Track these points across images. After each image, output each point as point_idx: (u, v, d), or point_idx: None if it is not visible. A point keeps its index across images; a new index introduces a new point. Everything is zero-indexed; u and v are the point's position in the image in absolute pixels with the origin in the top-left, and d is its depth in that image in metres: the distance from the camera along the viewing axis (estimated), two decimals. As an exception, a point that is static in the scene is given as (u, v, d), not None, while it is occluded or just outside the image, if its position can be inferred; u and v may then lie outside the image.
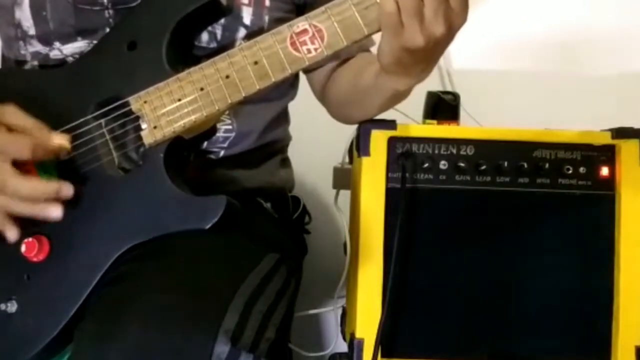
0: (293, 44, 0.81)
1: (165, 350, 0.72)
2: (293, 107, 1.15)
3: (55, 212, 0.79)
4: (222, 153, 1.00)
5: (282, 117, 1.12)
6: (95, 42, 0.92)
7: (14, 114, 0.81)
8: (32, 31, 0.96)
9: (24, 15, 0.96)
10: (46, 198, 0.79)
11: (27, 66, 0.99)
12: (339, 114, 1.09)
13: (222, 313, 0.77)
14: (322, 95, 1.10)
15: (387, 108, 0.96)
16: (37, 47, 0.97)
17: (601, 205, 0.94)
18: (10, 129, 0.80)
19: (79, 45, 0.95)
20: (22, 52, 0.98)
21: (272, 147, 1.09)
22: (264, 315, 0.85)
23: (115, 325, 0.72)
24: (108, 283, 0.81)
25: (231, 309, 0.79)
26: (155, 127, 0.83)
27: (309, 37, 0.80)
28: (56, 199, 0.79)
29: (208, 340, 0.73)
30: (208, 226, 0.80)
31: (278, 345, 0.87)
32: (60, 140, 0.81)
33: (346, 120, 1.06)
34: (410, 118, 1.07)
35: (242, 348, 0.76)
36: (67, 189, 0.80)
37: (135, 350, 0.71)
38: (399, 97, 0.93)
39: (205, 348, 0.73)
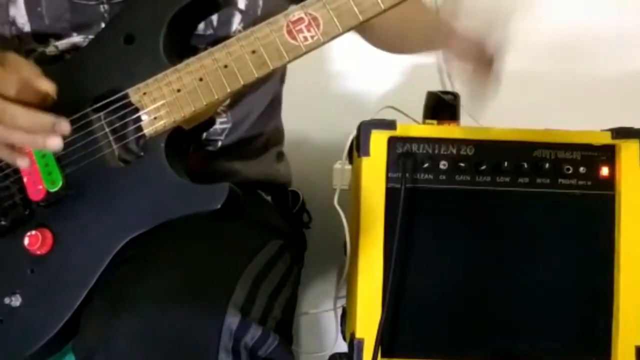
0: (289, 32, 0.81)
1: (175, 322, 0.72)
2: (293, 106, 1.15)
3: (54, 142, 0.77)
4: (219, 144, 1.02)
5: (273, 110, 1.13)
6: (90, 37, 0.93)
7: (12, 56, 0.81)
8: (27, 28, 0.96)
9: (19, 12, 0.96)
10: (43, 130, 0.77)
11: (23, 63, 0.99)
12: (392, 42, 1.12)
13: (231, 288, 0.78)
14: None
15: None
16: (32, 44, 0.97)
17: (601, 205, 0.94)
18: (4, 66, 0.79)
19: (75, 41, 0.96)
20: (17, 50, 0.98)
21: (266, 138, 1.10)
22: (270, 295, 0.86)
23: (124, 301, 0.73)
24: (116, 266, 0.81)
25: (240, 285, 0.80)
26: (155, 118, 0.84)
27: (305, 25, 0.81)
28: (53, 132, 0.77)
29: (219, 311, 0.74)
30: (212, 211, 0.81)
31: (284, 327, 0.87)
32: (47, 86, 0.79)
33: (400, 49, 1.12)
34: (411, 118, 1.06)
35: (252, 321, 0.77)
36: (64, 125, 0.78)
37: (145, 323, 0.71)
38: None
39: (216, 319, 0.73)
